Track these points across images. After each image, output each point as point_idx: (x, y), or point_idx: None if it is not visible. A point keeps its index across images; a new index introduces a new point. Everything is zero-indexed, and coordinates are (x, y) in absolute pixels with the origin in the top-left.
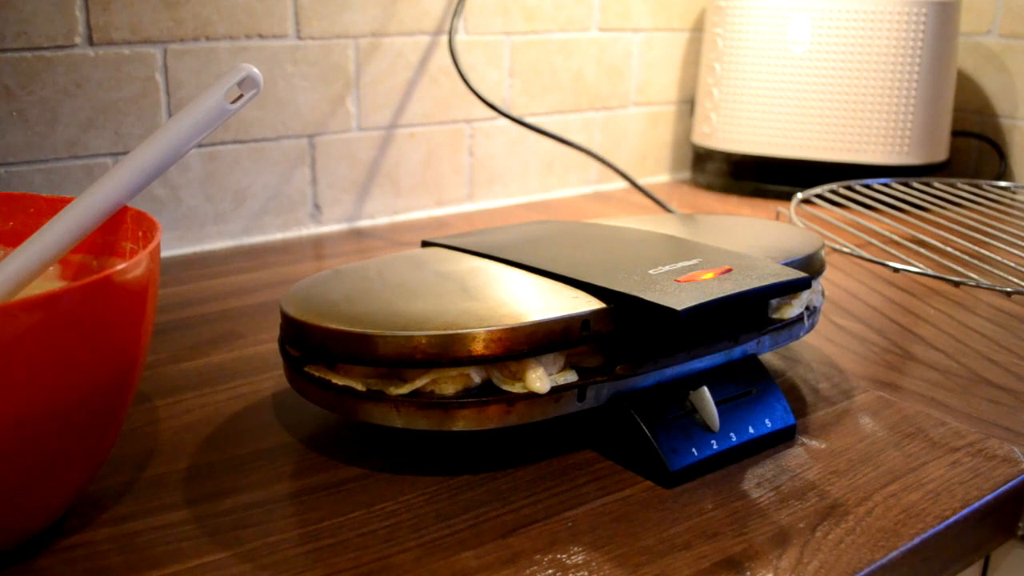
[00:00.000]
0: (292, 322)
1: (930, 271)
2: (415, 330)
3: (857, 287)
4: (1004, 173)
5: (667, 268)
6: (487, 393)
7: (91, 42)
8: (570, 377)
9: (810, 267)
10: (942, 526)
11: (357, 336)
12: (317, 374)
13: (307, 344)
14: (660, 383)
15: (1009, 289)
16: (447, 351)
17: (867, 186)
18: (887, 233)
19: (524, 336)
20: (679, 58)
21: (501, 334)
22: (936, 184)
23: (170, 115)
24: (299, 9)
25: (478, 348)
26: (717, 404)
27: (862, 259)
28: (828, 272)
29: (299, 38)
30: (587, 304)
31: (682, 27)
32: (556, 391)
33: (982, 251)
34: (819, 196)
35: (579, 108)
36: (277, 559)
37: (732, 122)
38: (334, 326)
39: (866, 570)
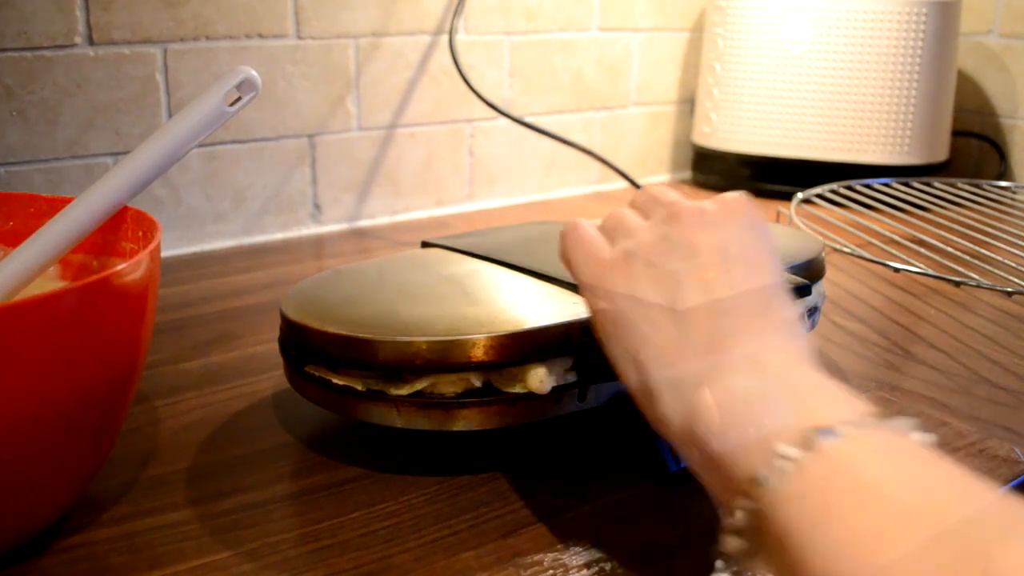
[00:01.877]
0: (292, 325)
1: (931, 271)
2: (415, 335)
3: (858, 287)
4: (1004, 173)
5: None
6: (488, 393)
7: (91, 42)
8: (570, 377)
9: (810, 271)
10: None
11: (357, 341)
12: (317, 374)
13: (307, 348)
14: None
15: (1009, 289)
16: (447, 357)
17: (867, 186)
18: (888, 233)
19: (524, 342)
20: (679, 58)
21: (501, 340)
22: (936, 184)
23: (170, 115)
24: (299, 9)
25: (478, 354)
26: None
27: (863, 259)
28: (829, 272)
29: (299, 38)
30: (587, 309)
31: (682, 27)
32: (557, 391)
33: (982, 251)
34: (819, 196)
35: (579, 108)
36: (278, 559)
37: (732, 122)
38: (334, 330)
39: None
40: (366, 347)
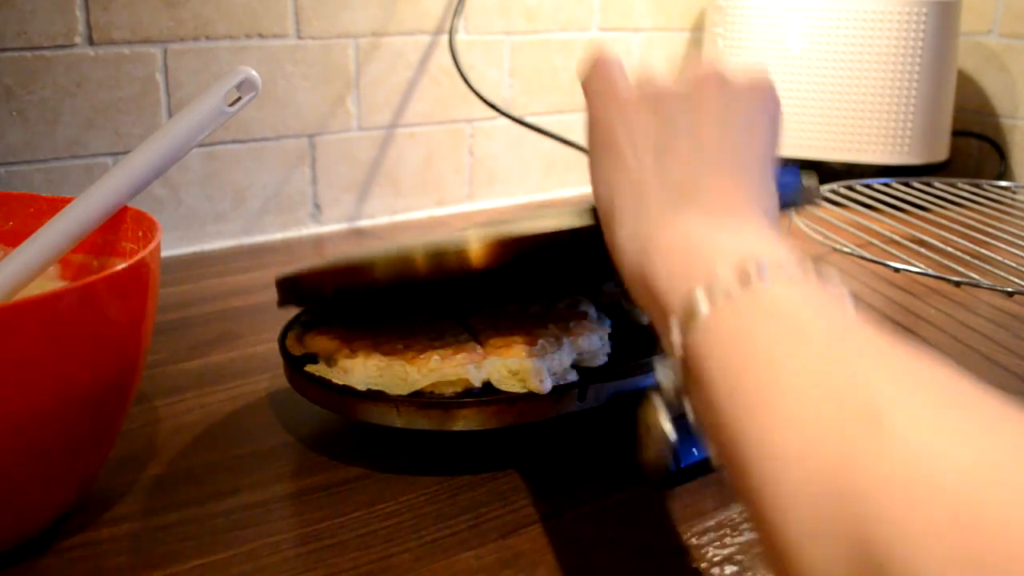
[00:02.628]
0: (289, 280)
1: (931, 271)
2: (413, 251)
3: (858, 287)
4: (1004, 173)
5: None
6: (487, 393)
7: (91, 42)
8: (571, 377)
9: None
10: None
11: (355, 265)
12: (317, 374)
13: (307, 293)
14: None
15: (1010, 289)
16: (445, 265)
17: (868, 186)
18: (888, 233)
19: (518, 246)
20: (679, 58)
21: (496, 244)
22: (936, 184)
23: (170, 115)
24: (299, 9)
25: (476, 259)
26: None
27: (863, 259)
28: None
29: (299, 38)
30: (579, 220)
31: (682, 27)
32: (557, 391)
33: (983, 251)
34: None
35: (579, 108)
36: (277, 559)
37: None
38: (332, 264)
39: None
40: (365, 270)
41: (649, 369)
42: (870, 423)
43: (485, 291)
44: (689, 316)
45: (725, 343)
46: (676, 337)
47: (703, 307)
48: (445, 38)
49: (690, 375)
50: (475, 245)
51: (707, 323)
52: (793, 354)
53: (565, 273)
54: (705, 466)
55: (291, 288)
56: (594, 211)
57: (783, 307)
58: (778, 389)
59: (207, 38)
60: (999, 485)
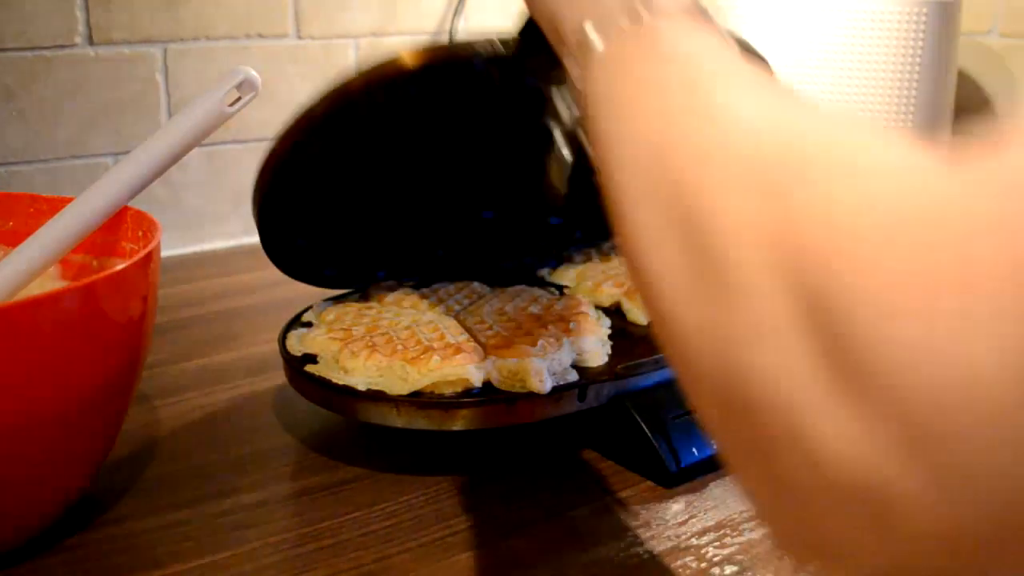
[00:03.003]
0: (262, 169)
1: None
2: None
3: None
4: None
5: None
6: (487, 393)
7: (91, 42)
8: (571, 377)
9: None
10: None
11: (310, 104)
12: (317, 374)
13: (282, 158)
14: (660, 383)
15: None
16: (384, 74)
17: None
18: None
19: (444, 52)
20: None
21: (424, 50)
22: None
23: (170, 115)
24: (299, 9)
25: (406, 61)
26: None
27: None
28: None
29: (299, 38)
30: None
31: None
32: (557, 391)
33: None
34: None
35: None
36: (277, 559)
37: None
38: (287, 122)
39: None
40: (320, 102)
41: (649, 369)
42: (704, 109)
43: (441, 135)
44: (585, 50)
45: (614, 75)
46: (575, 71)
47: (597, 43)
48: (445, 38)
49: (585, 106)
50: (404, 52)
51: (601, 58)
52: (665, 75)
53: (505, 107)
54: (705, 466)
55: (266, 173)
56: (521, 30)
57: (666, 39)
58: (644, 96)
59: (207, 38)
60: (787, 133)
